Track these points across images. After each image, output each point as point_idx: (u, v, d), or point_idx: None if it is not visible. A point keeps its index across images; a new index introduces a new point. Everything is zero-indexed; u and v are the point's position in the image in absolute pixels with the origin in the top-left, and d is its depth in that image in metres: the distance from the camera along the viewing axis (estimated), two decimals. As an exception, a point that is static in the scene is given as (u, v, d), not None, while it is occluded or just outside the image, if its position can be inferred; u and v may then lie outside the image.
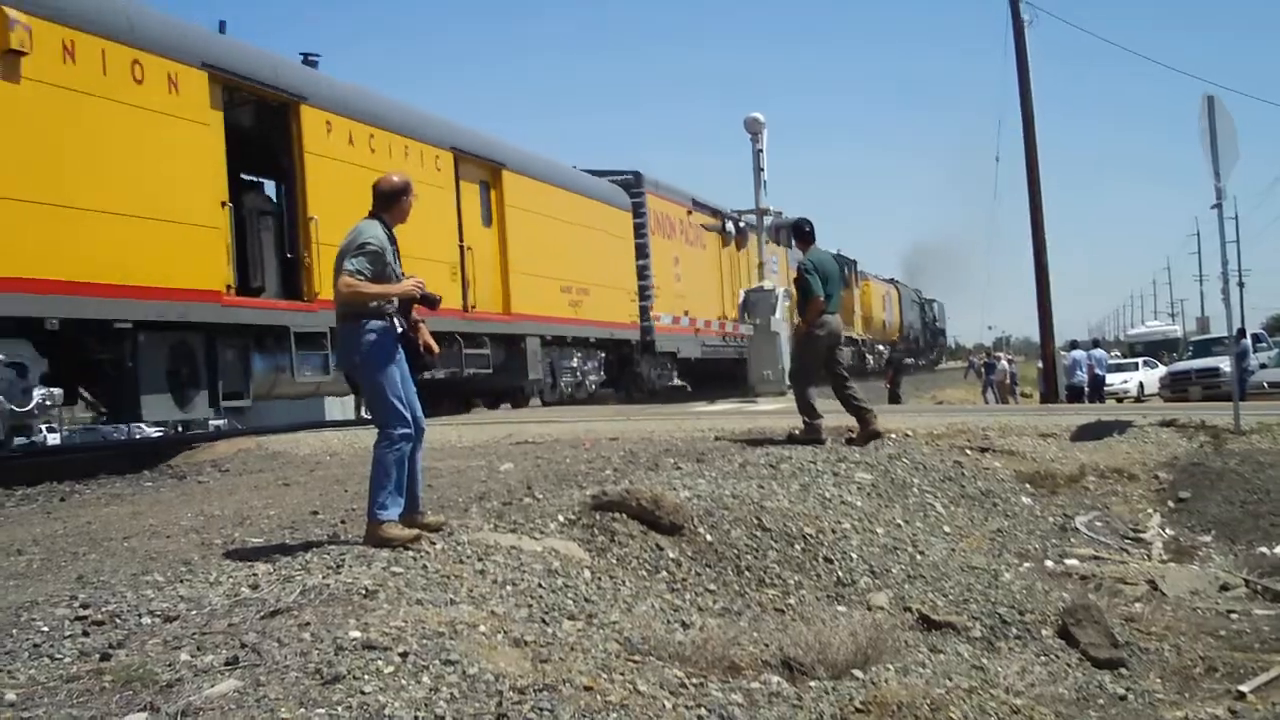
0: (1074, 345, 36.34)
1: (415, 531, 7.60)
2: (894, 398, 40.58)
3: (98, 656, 5.38)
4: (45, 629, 6.02)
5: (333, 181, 18.03)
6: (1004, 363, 54.03)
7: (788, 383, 19.94)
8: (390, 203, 8.01)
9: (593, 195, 28.80)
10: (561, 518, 8.58)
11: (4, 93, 12.90)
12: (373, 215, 7.98)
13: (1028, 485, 12.41)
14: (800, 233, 14.31)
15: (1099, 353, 37.56)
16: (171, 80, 15.26)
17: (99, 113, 14.09)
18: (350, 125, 19.04)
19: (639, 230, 30.83)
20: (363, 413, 21.61)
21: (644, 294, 30.71)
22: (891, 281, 72.88)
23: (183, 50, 15.60)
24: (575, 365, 27.19)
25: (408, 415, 7.79)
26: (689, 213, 34.14)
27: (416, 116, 21.92)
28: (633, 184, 31.03)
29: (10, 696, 4.86)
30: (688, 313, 32.40)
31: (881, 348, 63.07)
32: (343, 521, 8.82)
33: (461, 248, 22.12)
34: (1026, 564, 10.22)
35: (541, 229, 25.23)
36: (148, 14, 15.40)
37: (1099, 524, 11.50)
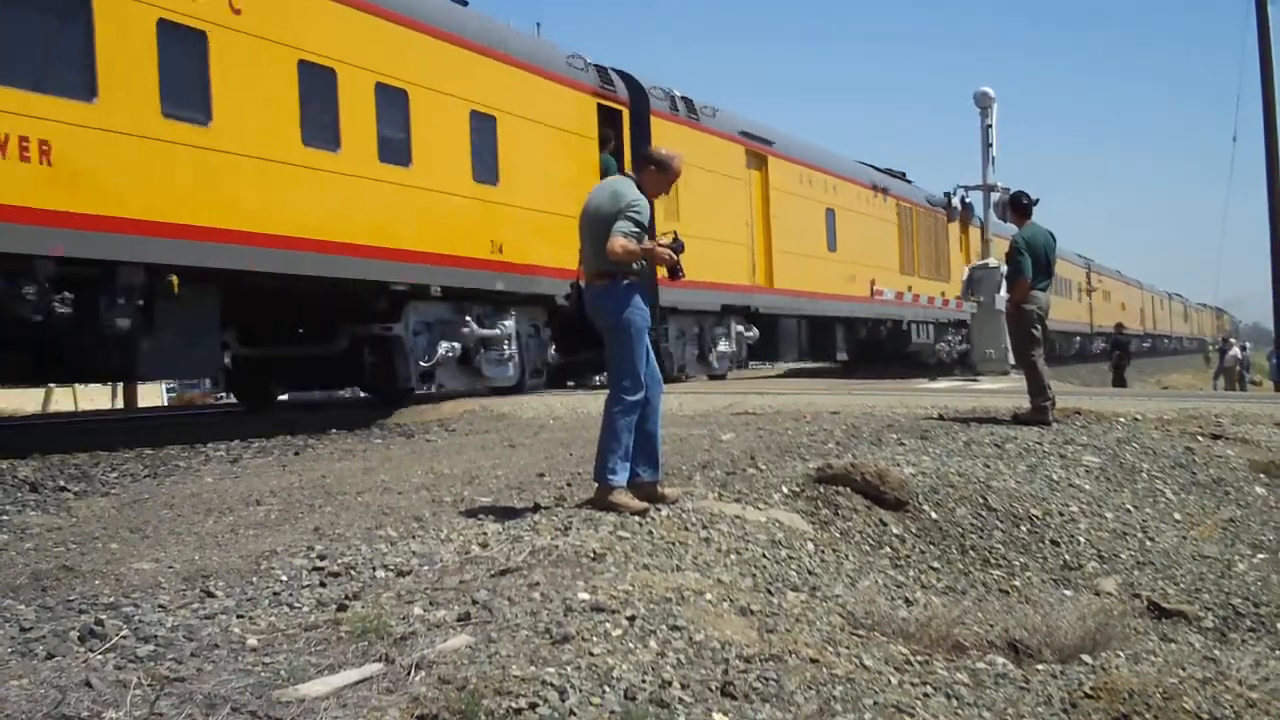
0: None
1: (644, 505, 7.57)
2: (1119, 381, 39.44)
3: (334, 607, 5.56)
4: (284, 578, 6.25)
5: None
6: (1235, 350, 52.21)
7: (1012, 363, 19.62)
8: (658, 170, 7.93)
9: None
10: (785, 489, 8.56)
11: None
12: (631, 177, 7.93)
13: (1262, 475, 11.95)
14: (1018, 205, 13.96)
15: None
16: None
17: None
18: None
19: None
20: None
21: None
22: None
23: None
24: None
25: (645, 382, 7.77)
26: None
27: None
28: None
29: (252, 642, 5.04)
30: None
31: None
32: (568, 484, 8.91)
33: None
34: (1260, 555, 9.87)
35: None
36: None
37: (1338, 516, 11.06)
